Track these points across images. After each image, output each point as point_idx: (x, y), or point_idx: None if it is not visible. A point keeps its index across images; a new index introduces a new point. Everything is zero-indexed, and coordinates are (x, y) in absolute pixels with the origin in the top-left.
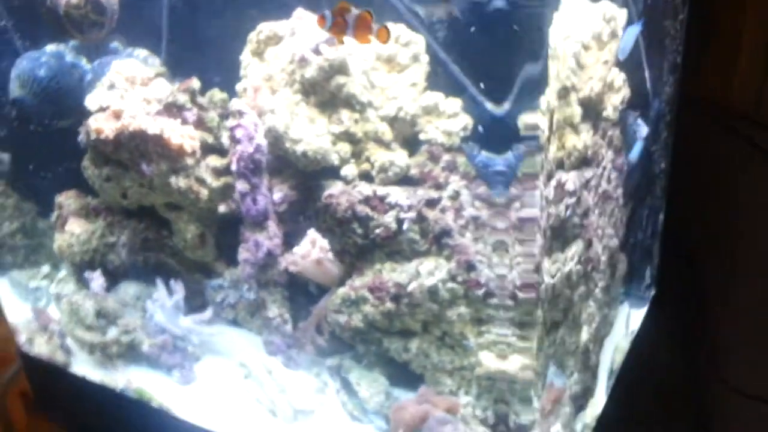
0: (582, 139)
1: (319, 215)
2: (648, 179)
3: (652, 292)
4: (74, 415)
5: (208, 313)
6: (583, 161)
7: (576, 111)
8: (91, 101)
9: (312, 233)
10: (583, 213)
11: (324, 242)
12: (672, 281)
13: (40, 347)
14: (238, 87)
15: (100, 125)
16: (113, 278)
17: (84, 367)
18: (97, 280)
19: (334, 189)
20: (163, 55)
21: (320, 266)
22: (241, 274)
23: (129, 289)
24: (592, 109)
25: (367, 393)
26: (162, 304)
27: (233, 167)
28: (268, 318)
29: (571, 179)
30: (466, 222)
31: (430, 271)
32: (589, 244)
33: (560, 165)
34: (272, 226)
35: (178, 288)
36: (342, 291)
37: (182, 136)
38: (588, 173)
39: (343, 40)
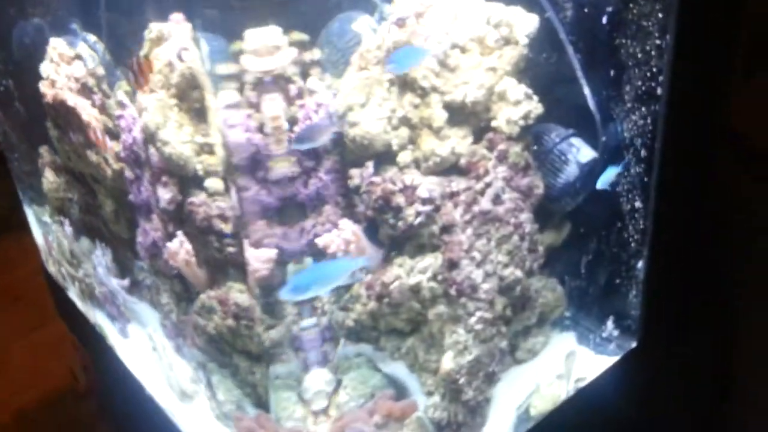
0: (448, 145)
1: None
2: (615, 214)
3: (631, 344)
4: (75, 329)
5: (126, 281)
6: (452, 170)
7: (437, 114)
8: (42, 69)
9: (180, 235)
10: (443, 228)
11: (188, 246)
12: (666, 340)
13: (51, 268)
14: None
15: (44, 90)
16: (75, 227)
17: (73, 294)
18: (67, 226)
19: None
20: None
21: (188, 267)
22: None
23: (83, 242)
24: (468, 116)
25: (223, 398)
26: (100, 261)
27: (121, 153)
28: (160, 303)
29: (425, 185)
30: (472, 217)
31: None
32: (451, 264)
33: (417, 166)
34: (156, 218)
35: (107, 253)
36: (203, 297)
37: (89, 115)
38: (458, 185)
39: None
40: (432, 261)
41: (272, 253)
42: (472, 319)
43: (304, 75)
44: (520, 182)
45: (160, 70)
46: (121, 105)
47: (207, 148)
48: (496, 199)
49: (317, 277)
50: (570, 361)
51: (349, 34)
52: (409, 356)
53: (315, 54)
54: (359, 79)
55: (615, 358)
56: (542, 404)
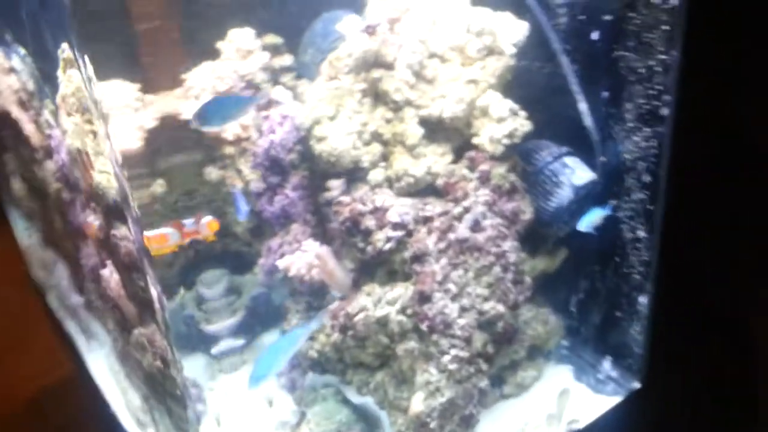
0: (423, 164)
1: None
2: (615, 243)
3: (634, 385)
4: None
5: (81, 299)
6: (428, 191)
7: (411, 130)
8: None
9: (110, 265)
10: (414, 257)
11: (117, 277)
12: (673, 381)
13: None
14: None
15: None
16: (42, 238)
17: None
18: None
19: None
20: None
21: (121, 300)
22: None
23: (48, 253)
24: (447, 133)
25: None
26: (62, 274)
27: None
28: (108, 328)
29: (396, 208)
30: (447, 245)
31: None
32: (422, 297)
33: (390, 185)
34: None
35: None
36: (135, 333)
37: (29, 130)
38: (433, 209)
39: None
40: (402, 291)
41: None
42: (446, 358)
43: (275, 82)
44: (504, 207)
45: (73, 92)
46: (48, 125)
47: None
48: (476, 226)
49: (273, 359)
50: (563, 400)
51: (333, 35)
52: (378, 392)
53: (286, 60)
54: (328, 90)
55: (616, 399)
56: None
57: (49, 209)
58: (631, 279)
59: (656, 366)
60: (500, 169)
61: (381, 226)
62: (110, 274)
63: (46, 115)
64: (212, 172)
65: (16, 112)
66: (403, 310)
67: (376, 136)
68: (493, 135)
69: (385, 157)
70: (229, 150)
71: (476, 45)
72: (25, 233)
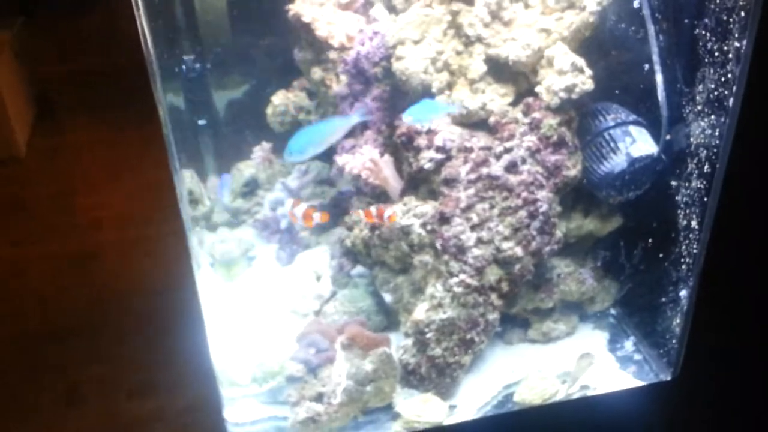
0: (479, 99)
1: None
2: (667, 227)
3: (663, 376)
4: None
5: None
6: (478, 125)
7: (475, 66)
8: None
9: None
10: (444, 180)
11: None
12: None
13: None
14: None
15: None
16: None
17: None
18: None
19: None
20: None
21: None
22: None
23: None
24: (515, 75)
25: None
26: None
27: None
28: None
29: (444, 134)
30: (478, 177)
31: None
32: (442, 218)
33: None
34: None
35: None
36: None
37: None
38: (477, 142)
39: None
40: (429, 209)
41: None
42: (453, 280)
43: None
44: (547, 157)
45: None
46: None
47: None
48: (512, 167)
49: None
50: (583, 363)
51: None
52: (397, 293)
53: None
54: (419, 15)
55: (639, 383)
56: (527, 394)
57: None
58: (680, 268)
59: (688, 364)
60: (552, 121)
61: (429, 147)
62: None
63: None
64: (317, 72)
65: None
66: (425, 225)
67: (447, 66)
68: (551, 86)
69: (450, 87)
70: (333, 55)
71: None
72: None
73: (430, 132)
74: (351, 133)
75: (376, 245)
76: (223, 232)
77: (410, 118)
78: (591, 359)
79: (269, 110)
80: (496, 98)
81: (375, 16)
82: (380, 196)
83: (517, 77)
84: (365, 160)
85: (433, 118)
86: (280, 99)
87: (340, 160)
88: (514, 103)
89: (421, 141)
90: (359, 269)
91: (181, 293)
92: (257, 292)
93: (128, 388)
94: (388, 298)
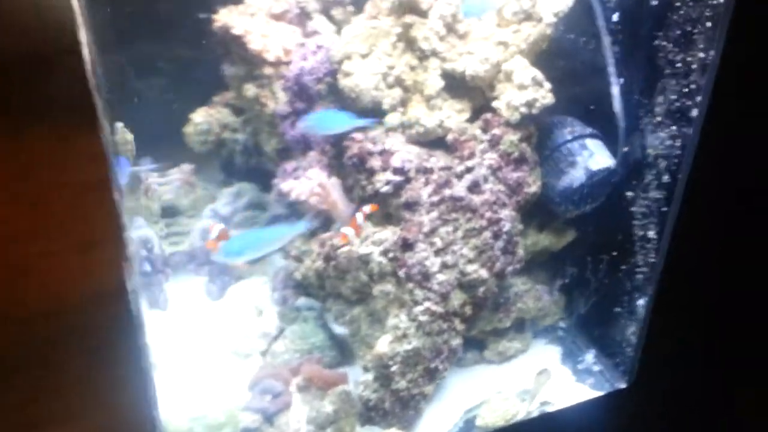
0: (436, 116)
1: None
2: (623, 239)
3: (620, 385)
4: None
5: None
6: (434, 143)
7: (431, 81)
8: None
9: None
10: (406, 204)
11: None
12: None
13: None
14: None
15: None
16: None
17: None
18: None
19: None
20: None
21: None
22: None
23: None
24: (470, 91)
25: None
26: None
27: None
28: None
29: (401, 154)
30: (441, 200)
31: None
32: (405, 244)
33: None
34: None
35: None
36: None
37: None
38: (436, 162)
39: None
40: (389, 235)
41: None
42: (418, 308)
43: (325, 12)
44: (508, 175)
45: None
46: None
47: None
48: (474, 187)
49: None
50: (541, 379)
51: None
52: (353, 326)
53: None
54: (366, 28)
55: (596, 393)
56: (490, 417)
57: None
58: (634, 278)
59: (643, 371)
60: (513, 137)
61: (384, 169)
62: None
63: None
64: (250, 89)
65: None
66: (385, 253)
67: (400, 81)
68: (511, 101)
69: (404, 103)
70: (268, 70)
71: (513, 7)
72: None
73: (385, 152)
74: (291, 155)
75: (331, 276)
76: None
77: (304, 125)
78: (548, 375)
79: (189, 129)
80: (453, 115)
81: (316, 28)
82: (326, 221)
83: (473, 92)
84: (313, 184)
85: (335, 130)
86: (201, 116)
87: (285, 185)
88: (471, 120)
89: (375, 162)
90: (303, 301)
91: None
92: (188, 332)
93: None
94: (342, 331)
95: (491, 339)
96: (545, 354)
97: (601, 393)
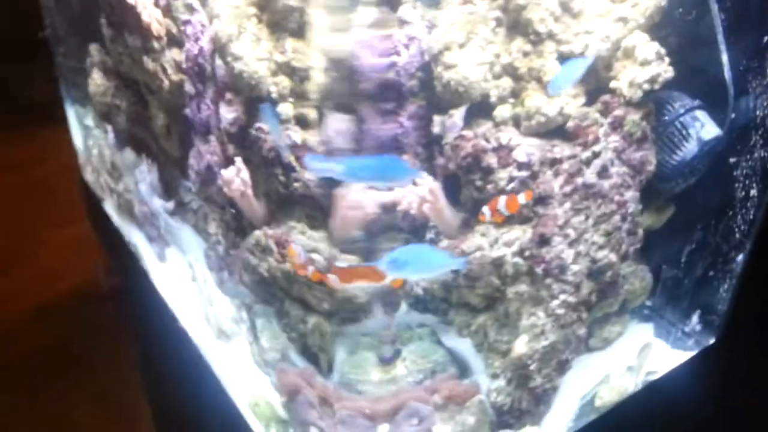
0: (556, 103)
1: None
2: (723, 203)
3: (710, 340)
4: (106, 241)
5: (170, 203)
6: (556, 133)
7: (550, 66)
8: None
9: (239, 162)
10: (539, 198)
11: (246, 176)
12: (746, 340)
13: (88, 176)
14: None
15: None
16: (119, 138)
17: (109, 206)
18: (110, 134)
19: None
20: None
21: (243, 199)
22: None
23: (128, 154)
24: (587, 74)
25: (267, 345)
26: (144, 178)
27: (183, 64)
28: (208, 232)
29: (524, 147)
30: (573, 190)
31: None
32: (542, 240)
33: (515, 124)
34: (213, 141)
35: (153, 171)
36: (258, 234)
37: (150, 15)
38: (561, 151)
39: None
40: (520, 234)
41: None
42: (555, 303)
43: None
44: (632, 155)
45: None
46: (190, 8)
47: (286, 69)
48: (603, 172)
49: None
50: (644, 354)
51: None
52: (478, 335)
53: None
54: (461, 14)
55: (690, 354)
56: (609, 396)
57: (146, 105)
58: (733, 237)
59: (732, 323)
60: (635, 116)
61: (504, 165)
62: (236, 172)
63: None
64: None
65: None
66: (521, 252)
67: (508, 70)
68: (634, 79)
69: (514, 93)
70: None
71: None
72: (89, 133)
73: (502, 148)
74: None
75: (461, 286)
76: None
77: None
78: (649, 348)
79: None
80: (570, 100)
81: (404, 17)
82: (417, 230)
83: (586, 74)
84: (423, 191)
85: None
86: None
87: (392, 195)
88: (586, 104)
89: (492, 160)
90: (412, 318)
91: None
92: None
93: None
94: (466, 342)
95: (596, 326)
96: (640, 331)
97: (693, 352)
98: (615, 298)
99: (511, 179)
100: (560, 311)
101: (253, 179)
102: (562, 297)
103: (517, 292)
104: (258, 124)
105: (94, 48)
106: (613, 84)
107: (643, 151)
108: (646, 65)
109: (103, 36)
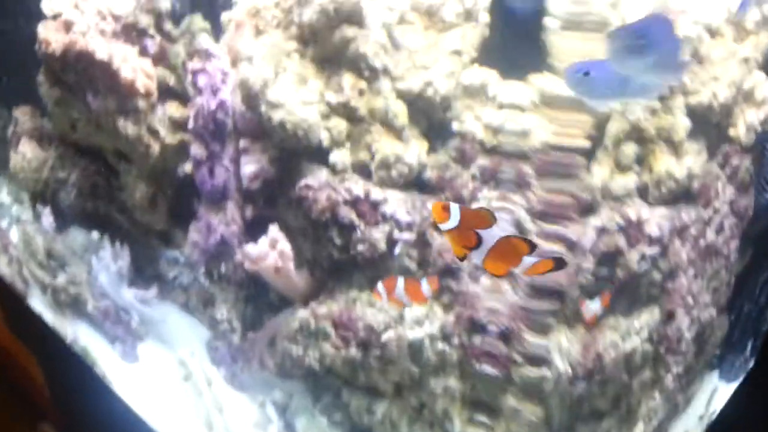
0: (685, 164)
1: (291, 209)
2: None
3: (750, 365)
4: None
5: (153, 291)
6: (682, 197)
7: (681, 122)
8: (45, 4)
9: (274, 231)
10: (669, 272)
11: (287, 246)
12: None
13: (2, 268)
14: (224, 18)
15: (48, 36)
16: (64, 218)
17: (39, 303)
18: (47, 217)
19: (313, 179)
20: None
21: (279, 274)
22: (190, 258)
23: (78, 236)
24: (709, 124)
25: None
26: (107, 265)
27: (190, 124)
28: (215, 319)
29: (656, 219)
30: (697, 254)
31: (417, 320)
32: (669, 317)
33: (642, 194)
34: (231, 208)
35: (124, 254)
36: (302, 314)
37: (135, 70)
38: (688, 215)
39: None
40: (648, 317)
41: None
42: (669, 378)
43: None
44: (740, 203)
45: (277, 2)
46: (204, 55)
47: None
48: (719, 230)
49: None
50: (712, 400)
51: None
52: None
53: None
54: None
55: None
56: None
57: (115, 176)
58: None
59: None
60: (747, 162)
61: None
62: (270, 246)
63: (204, 41)
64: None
65: (107, 50)
66: (650, 338)
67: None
68: (751, 122)
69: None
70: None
71: (454, 6)
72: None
73: (632, 225)
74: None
75: (594, 395)
76: None
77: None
78: (716, 392)
79: None
80: (694, 158)
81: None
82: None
83: (706, 126)
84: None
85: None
86: None
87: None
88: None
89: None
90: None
91: None
92: None
93: None
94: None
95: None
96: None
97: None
98: (708, 355)
99: (642, 257)
100: (672, 385)
101: (294, 248)
102: (675, 369)
103: (643, 381)
104: (304, 182)
105: (22, 113)
106: (731, 132)
107: (747, 198)
108: (763, 105)
109: (41, 98)
